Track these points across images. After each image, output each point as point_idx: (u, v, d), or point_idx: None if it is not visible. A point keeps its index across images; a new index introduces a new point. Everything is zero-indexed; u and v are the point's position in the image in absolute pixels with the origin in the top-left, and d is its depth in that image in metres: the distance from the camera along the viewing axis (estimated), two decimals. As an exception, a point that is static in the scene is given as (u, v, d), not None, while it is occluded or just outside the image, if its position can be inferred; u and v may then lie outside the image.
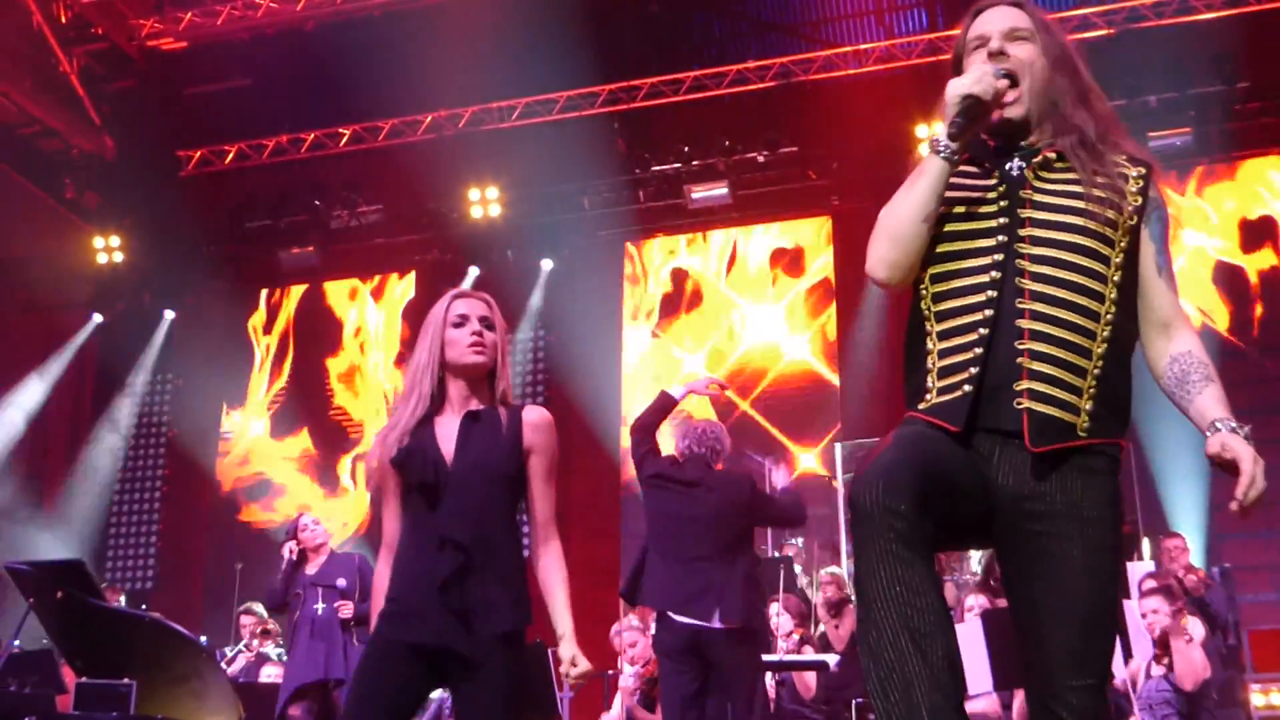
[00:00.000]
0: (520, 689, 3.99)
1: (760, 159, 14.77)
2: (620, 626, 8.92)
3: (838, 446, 13.07)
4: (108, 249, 15.98)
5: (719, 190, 14.77)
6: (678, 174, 14.99)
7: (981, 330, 2.93)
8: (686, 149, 14.86)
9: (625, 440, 15.06)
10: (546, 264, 15.63)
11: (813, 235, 15.19)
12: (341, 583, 8.79)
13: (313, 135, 15.94)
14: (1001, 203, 3.04)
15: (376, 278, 16.64)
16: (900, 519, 2.69)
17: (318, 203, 15.76)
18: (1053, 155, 3.06)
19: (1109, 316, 2.91)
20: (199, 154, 16.35)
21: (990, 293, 2.94)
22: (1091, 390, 2.88)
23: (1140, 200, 3.00)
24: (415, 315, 16.32)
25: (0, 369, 16.17)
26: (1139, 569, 9.18)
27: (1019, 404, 2.88)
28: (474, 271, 15.73)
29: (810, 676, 8.00)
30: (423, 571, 3.92)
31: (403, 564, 4.01)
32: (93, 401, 16.68)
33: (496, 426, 4.06)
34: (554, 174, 15.28)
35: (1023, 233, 2.96)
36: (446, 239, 15.75)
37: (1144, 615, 7.68)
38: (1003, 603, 3.42)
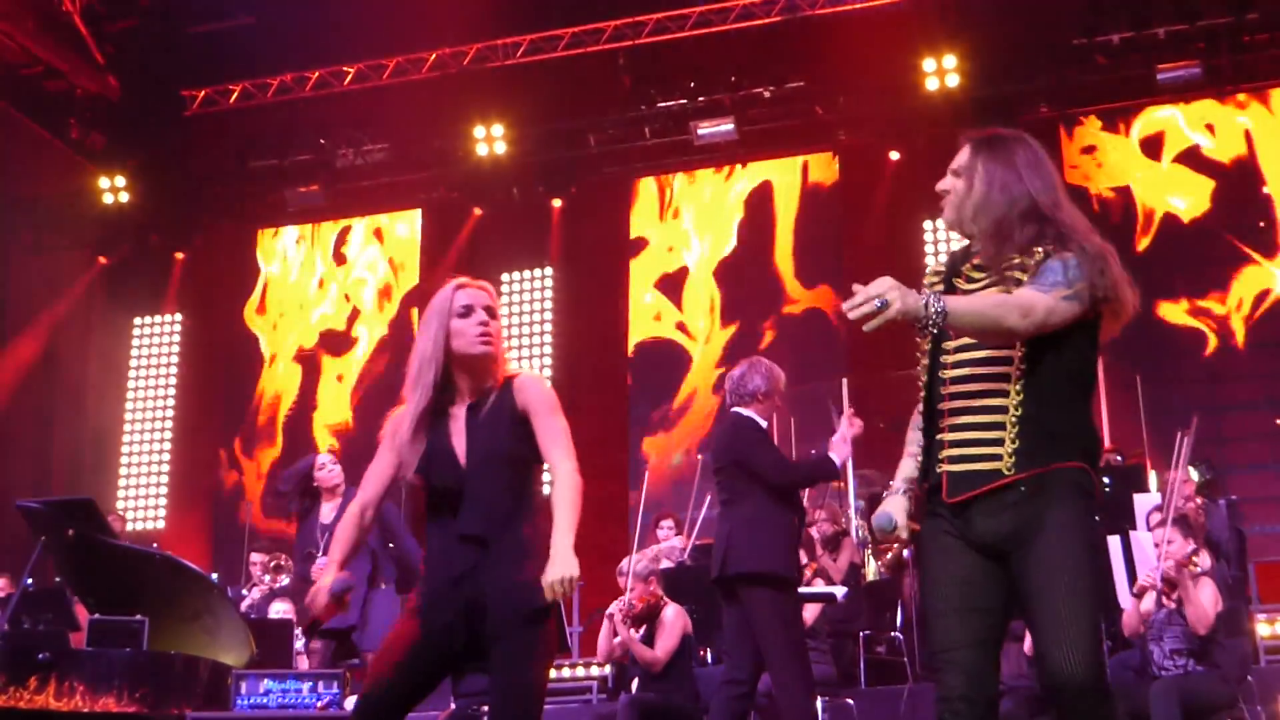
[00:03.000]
0: (547, 662, 4.12)
1: (766, 94, 14.68)
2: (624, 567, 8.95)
3: (844, 382, 13.05)
4: (113, 189, 15.95)
5: (725, 126, 14.69)
6: (684, 110, 14.90)
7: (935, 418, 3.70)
8: (692, 85, 14.77)
9: (633, 378, 15.19)
10: (558, 202, 15.61)
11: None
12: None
13: (317, 73, 15.88)
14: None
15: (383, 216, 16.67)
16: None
17: (323, 141, 15.70)
18: (975, 263, 3.72)
19: (1019, 380, 3.53)
20: (203, 93, 16.29)
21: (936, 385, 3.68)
22: (1015, 431, 3.50)
23: (1037, 269, 3.53)
24: (425, 253, 16.33)
25: (7, 310, 16.19)
26: (1145, 501, 9.21)
27: (939, 468, 3.61)
28: (477, 211, 15.74)
29: (809, 607, 8.03)
30: (445, 568, 4.11)
31: (431, 559, 4.18)
32: (99, 341, 16.71)
33: (497, 410, 4.18)
34: (559, 111, 15.23)
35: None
36: (452, 177, 15.72)
37: (1156, 545, 7.73)
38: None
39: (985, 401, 3.55)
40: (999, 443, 3.51)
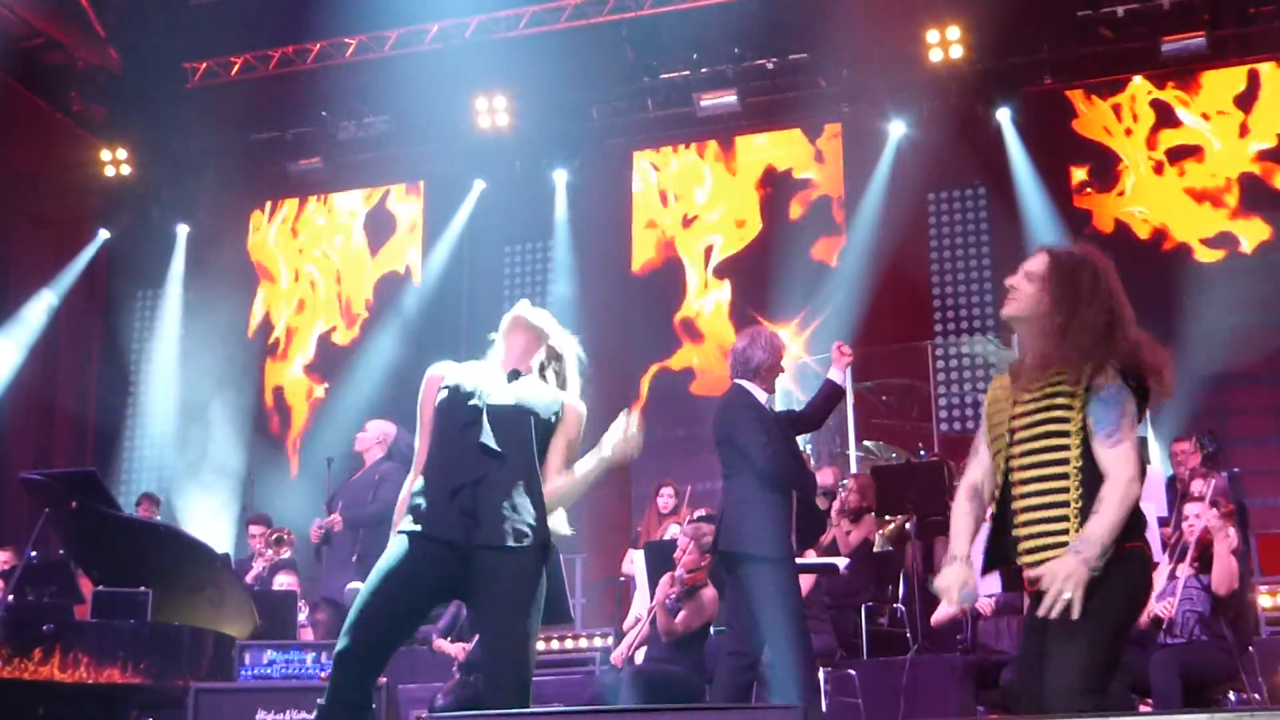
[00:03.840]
0: (532, 598, 4.31)
1: (769, 66, 14.65)
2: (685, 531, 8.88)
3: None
4: (115, 162, 15.93)
5: (728, 98, 14.66)
6: (686, 82, 14.86)
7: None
8: (695, 56, 14.73)
9: (636, 349, 15.17)
10: (561, 175, 15.58)
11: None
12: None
13: (318, 46, 15.80)
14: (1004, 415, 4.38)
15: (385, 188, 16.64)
16: None
17: (324, 114, 15.67)
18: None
19: (1077, 477, 4.14)
20: (205, 65, 16.21)
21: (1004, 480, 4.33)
22: (1076, 524, 4.08)
23: (1085, 397, 4.15)
24: (427, 225, 16.31)
25: (10, 282, 16.18)
26: (1148, 472, 9.20)
27: (1020, 560, 4.23)
28: (479, 184, 15.74)
29: (803, 578, 8.02)
30: (447, 476, 4.34)
31: (431, 472, 4.42)
32: (102, 314, 16.73)
33: (538, 389, 4.63)
34: (562, 84, 15.17)
35: (1014, 430, 4.28)
36: (454, 150, 15.68)
37: (1185, 518, 7.78)
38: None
39: (1049, 499, 4.16)
40: (1064, 532, 4.11)
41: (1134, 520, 4.11)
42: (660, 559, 8.75)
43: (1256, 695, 7.88)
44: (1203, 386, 12.10)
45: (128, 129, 15.97)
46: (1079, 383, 4.17)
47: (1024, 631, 4.39)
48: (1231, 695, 7.54)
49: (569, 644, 11.33)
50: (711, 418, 7.19)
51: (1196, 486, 8.79)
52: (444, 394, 4.50)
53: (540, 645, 10.89)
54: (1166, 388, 4.23)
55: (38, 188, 16.38)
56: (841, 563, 8.30)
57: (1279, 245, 13.24)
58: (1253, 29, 13.54)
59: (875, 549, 10.51)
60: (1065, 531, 4.11)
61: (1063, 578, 3.97)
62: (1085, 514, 4.08)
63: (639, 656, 8.50)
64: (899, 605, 10.11)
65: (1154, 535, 8.15)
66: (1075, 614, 3.94)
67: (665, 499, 11.08)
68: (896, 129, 14.40)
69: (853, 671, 8.63)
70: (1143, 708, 7.32)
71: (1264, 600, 9.78)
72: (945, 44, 13.68)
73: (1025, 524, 4.21)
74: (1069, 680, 4.01)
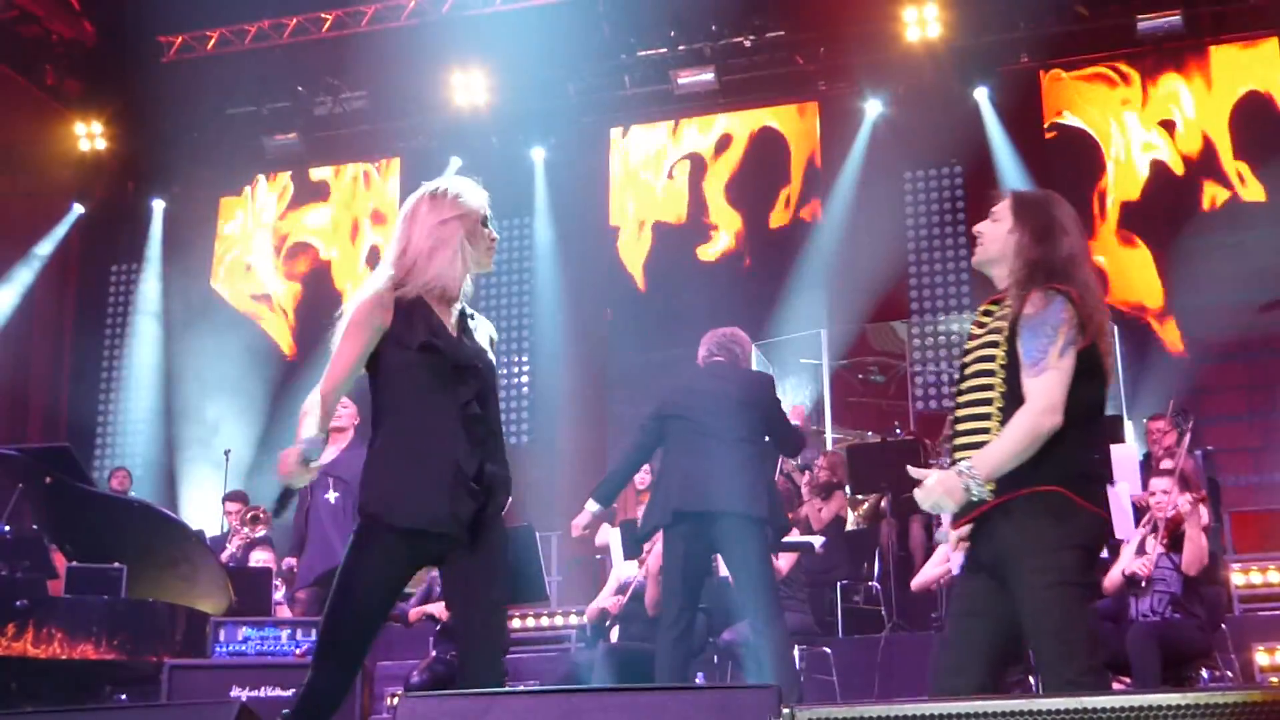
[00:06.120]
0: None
1: (747, 44, 14.62)
2: None
3: (822, 333, 13.10)
4: (90, 135, 15.84)
5: (705, 76, 14.64)
6: (664, 60, 14.84)
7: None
8: (672, 34, 14.70)
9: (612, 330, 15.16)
10: (539, 152, 15.55)
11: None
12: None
13: (295, 20, 15.73)
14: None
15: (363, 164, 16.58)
16: None
17: (301, 89, 15.60)
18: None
19: (999, 404, 3.91)
20: (180, 39, 16.12)
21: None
22: None
23: (1012, 322, 3.94)
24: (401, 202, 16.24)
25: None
26: (1122, 452, 9.23)
27: None
28: (456, 161, 15.68)
29: (785, 557, 8.03)
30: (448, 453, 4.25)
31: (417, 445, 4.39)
32: (76, 289, 16.64)
33: (481, 327, 4.53)
34: (539, 60, 15.11)
35: (963, 369, 4.12)
36: (431, 126, 15.62)
37: (1151, 494, 7.79)
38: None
39: (973, 439, 3.94)
40: None
41: (1063, 465, 3.83)
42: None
43: (1229, 673, 7.93)
44: (1177, 364, 12.15)
45: (103, 103, 15.87)
46: (1011, 315, 3.95)
47: (954, 600, 4.14)
48: (1205, 673, 7.58)
49: (545, 621, 11.34)
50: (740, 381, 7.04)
51: (1165, 465, 8.84)
52: (409, 339, 4.28)
53: (515, 623, 10.94)
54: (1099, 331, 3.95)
55: (12, 161, 16.27)
56: (817, 541, 8.32)
57: (1250, 225, 13.28)
58: (1228, 8, 13.55)
59: (850, 528, 10.54)
60: None
61: (933, 485, 3.81)
62: None
63: (612, 636, 8.50)
64: (874, 583, 10.14)
65: (1122, 512, 8.17)
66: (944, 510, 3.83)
67: (643, 475, 11.06)
68: (873, 107, 14.41)
69: (828, 649, 8.66)
70: (1116, 685, 7.35)
71: (1236, 578, 9.83)
72: (922, 22, 13.67)
73: (955, 464, 3.94)
74: (1070, 666, 3.72)
